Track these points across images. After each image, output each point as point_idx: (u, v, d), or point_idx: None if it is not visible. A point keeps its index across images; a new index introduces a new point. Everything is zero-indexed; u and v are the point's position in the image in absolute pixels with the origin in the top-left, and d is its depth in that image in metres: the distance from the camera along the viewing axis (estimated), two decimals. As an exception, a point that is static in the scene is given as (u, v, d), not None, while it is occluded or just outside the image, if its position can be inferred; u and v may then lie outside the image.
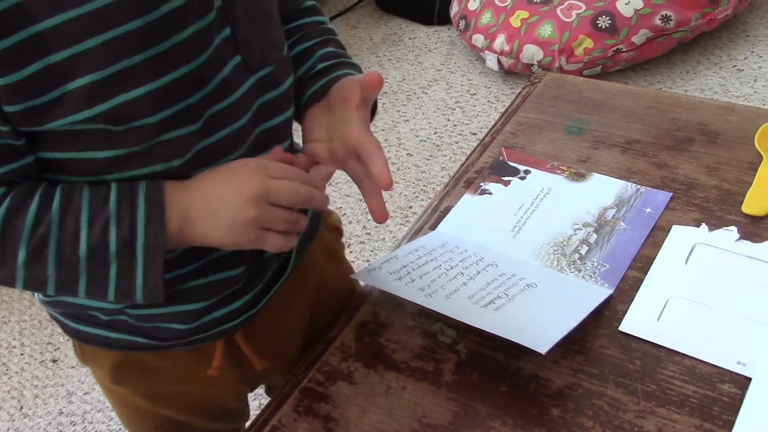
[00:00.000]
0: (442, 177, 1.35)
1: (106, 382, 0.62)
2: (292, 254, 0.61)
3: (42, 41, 0.43)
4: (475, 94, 1.58)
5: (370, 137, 0.53)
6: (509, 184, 0.69)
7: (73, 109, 0.45)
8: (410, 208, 1.33)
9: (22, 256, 0.46)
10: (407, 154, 1.46)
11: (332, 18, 1.93)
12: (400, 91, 1.65)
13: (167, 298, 0.49)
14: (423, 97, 1.61)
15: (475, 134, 1.44)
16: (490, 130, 0.78)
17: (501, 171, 0.71)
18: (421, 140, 1.49)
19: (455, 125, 1.49)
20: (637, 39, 1.41)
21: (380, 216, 0.54)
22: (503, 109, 0.85)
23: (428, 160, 1.42)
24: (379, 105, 1.54)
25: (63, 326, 0.59)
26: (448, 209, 0.68)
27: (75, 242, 0.46)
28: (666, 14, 1.40)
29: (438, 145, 1.46)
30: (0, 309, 1.34)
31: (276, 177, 0.49)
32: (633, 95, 0.78)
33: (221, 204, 0.48)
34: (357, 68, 0.60)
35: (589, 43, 1.43)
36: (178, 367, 0.60)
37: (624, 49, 1.42)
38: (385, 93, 1.65)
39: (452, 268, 0.60)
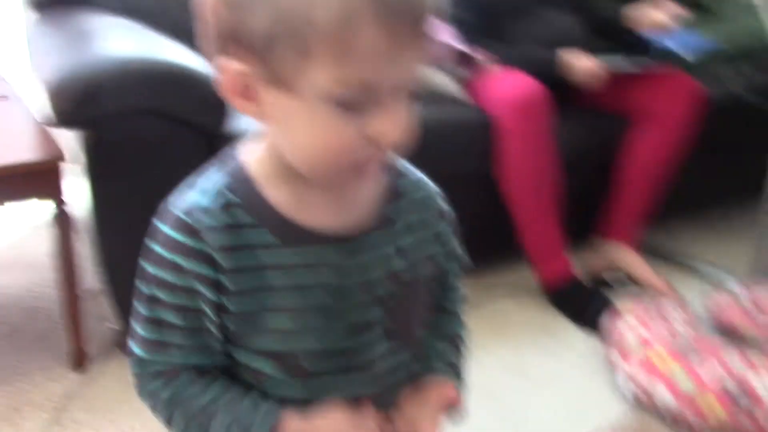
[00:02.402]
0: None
1: None
2: None
3: (262, 293, 0.65)
4: (601, 404, 1.68)
5: None
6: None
7: (265, 341, 0.67)
8: None
9: (179, 420, 0.69)
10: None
11: (499, 288, 2.14)
12: (537, 376, 1.78)
13: None
14: (555, 390, 1.73)
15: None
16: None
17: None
18: (542, 426, 1.60)
19: (572, 426, 1.59)
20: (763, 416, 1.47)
21: None
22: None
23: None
24: (512, 383, 1.69)
25: None
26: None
27: (212, 429, 0.67)
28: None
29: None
30: (138, 421, 1.56)
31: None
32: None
33: None
34: (460, 378, 0.80)
35: (718, 410, 1.51)
36: None
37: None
38: (521, 374, 1.79)
39: None
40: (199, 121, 1.58)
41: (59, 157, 1.49)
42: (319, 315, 0.66)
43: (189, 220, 0.64)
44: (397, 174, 0.73)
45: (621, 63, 2.07)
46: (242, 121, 1.68)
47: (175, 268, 0.64)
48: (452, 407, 0.78)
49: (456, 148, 1.91)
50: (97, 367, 1.73)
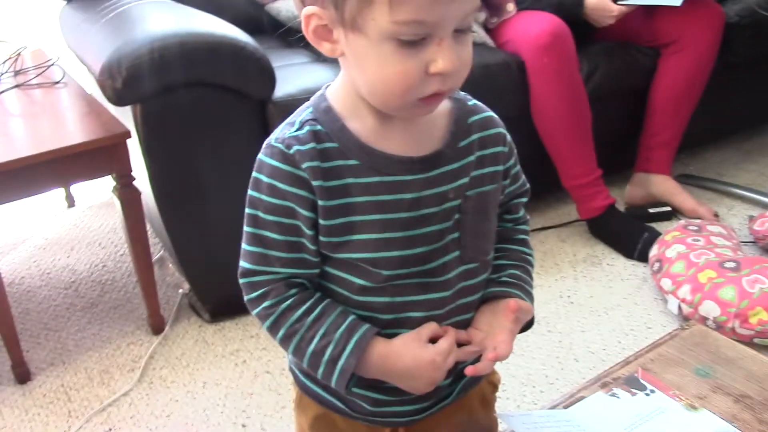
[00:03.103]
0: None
1: (305, 427, 0.89)
2: (456, 389, 0.85)
3: (349, 209, 0.74)
4: (650, 328, 1.75)
5: (509, 344, 0.79)
6: (635, 395, 0.90)
7: (352, 251, 0.75)
8: (552, 384, 1.55)
9: (280, 334, 0.77)
10: (574, 359, 1.66)
11: (546, 228, 2.21)
12: (586, 305, 1.86)
13: (366, 384, 0.78)
14: (603, 317, 1.81)
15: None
16: (637, 352, 0.99)
17: (632, 384, 0.92)
18: (590, 352, 1.68)
19: (623, 348, 1.67)
20: (812, 326, 1.54)
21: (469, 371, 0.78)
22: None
23: (591, 369, 1.61)
24: (563, 311, 1.77)
25: (295, 377, 0.87)
26: (581, 398, 0.90)
27: (309, 343, 0.76)
28: None
29: (603, 360, 1.64)
30: (214, 373, 1.68)
31: (445, 354, 0.77)
32: (761, 362, 0.96)
33: (413, 379, 0.77)
34: (529, 295, 0.86)
35: (764, 316, 1.57)
36: None
37: (797, 331, 1.55)
38: (572, 303, 1.87)
39: (570, 436, 0.81)
40: (249, 90, 1.66)
41: (125, 133, 1.58)
42: (396, 226, 0.74)
43: (285, 150, 0.73)
44: (470, 111, 0.80)
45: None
46: (291, 85, 1.76)
47: (275, 191, 0.73)
48: (525, 321, 0.83)
49: (488, 92, 1.90)
50: (173, 329, 1.85)
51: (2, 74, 1.97)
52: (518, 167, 0.86)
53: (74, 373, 1.70)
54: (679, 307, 1.73)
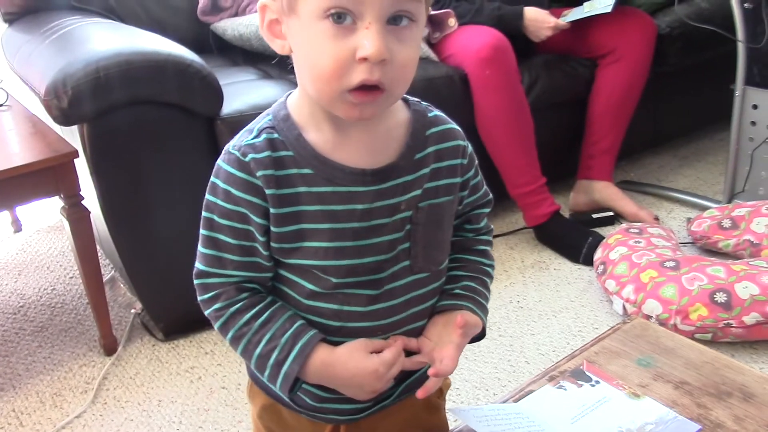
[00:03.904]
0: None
1: (254, 416, 0.92)
2: (397, 391, 0.88)
3: (300, 218, 0.76)
4: (597, 328, 1.81)
5: (453, 360, 0.81)
6: (581, 386, 0.93)
7: (303, 258, 0.77)
8: (505, 386, 1.59)
9: (229, 336, 0.80)
10: (525, 362, 1.70)
11: (495, 236, 2.26)
12: (535, 309, 1.91)
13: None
14: (552, 320, 1.86)
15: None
16: (582, 347, 1.03)
17: (578, 376, 0.95)
18: (540, 354, 1.72)
19: (572, 349, 1.72)
20: (748, 320, 1.61)
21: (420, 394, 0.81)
22: (601, 338, 1.09)
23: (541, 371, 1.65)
24: (513, 316, 1.81)
25: (247, 366, 0.89)
26: (530, 392, 0.93)
27: (256, 346, 0.79)
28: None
29: (553, 361, 1.68)
30: (170, 391, 1.67)
31: (388, 365, 0.79)
32: (698, 351, 1.01)
33: (355, 388, 0.80)
34: (482, 308, 0.88)
35: (703, 312, 1.64)
36: (300, 428, 0.89)
37: (734, 325, 1.62)
38: (521, 308, 1.91)
39: (518, 428, 0.84)
40: (197, 107, 1.67)
41: (72, 153, 1.58)
42: (347, 235, 0.77)
43: (241, 157, 0.75)
44: (428, 122, 0.82)
45: (584, 10, 2.19)
46: (239, 102, 1.78)
47: (230, 197, 0.75)
48: (473, 334, 0.85)
49: (433, 105, 1.99)
50: (126, 349, 1.83)
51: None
52: (479, 178, 0.87)
53: (25, 398, 1.68)
54: (624, 307, 1.79)
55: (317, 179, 0.76)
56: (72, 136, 1.66)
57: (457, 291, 0.87)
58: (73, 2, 2.13)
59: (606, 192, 2.34)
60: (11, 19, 2.10)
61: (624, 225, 2.12)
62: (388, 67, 0.69)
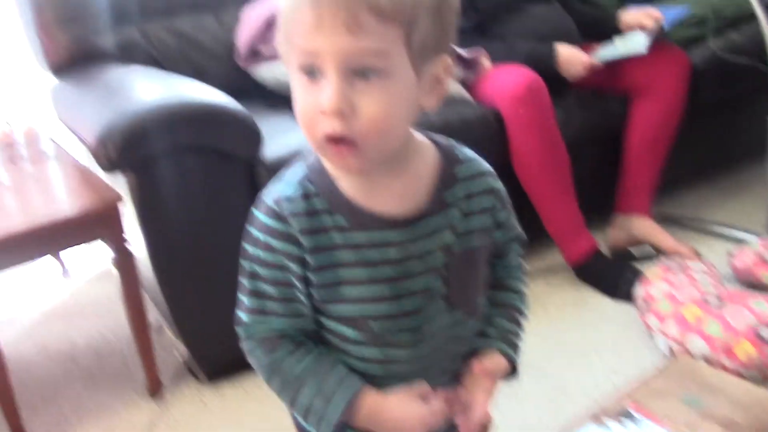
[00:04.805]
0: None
1: None
2: None
3: (336, 265, 0.78)
4: (640, 366, 1.79)
5: (482, 405, 0.83)
6: (627, 427, 0.93)
7: (341, 304, 0.79)
8: (548, 426, 1.58)
9: (274, 385, 0.82)
10: (568, 402, 1.69)
11: (533, 274, 2.25)
12: (576, 347, 1.89)
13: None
14: (594, 358, 1.84)
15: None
16: (626, 386, 1.02)
17: (624, 416, 0.95)
18: (583, 393, 1.71)
19: (616, 387, 1.70)
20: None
21: None
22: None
23: (585, 410, 1.63)
24: (555, 355, 1.79)
25: (293, 417, 0.90)
26: (575, 432, 0.93)
27: (299, 394, 0.80)
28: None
29: (596, 401, 1.66)
30: (215, 433, 1.68)
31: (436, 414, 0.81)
32: (745, 389, 1.00)
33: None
34: (513, 346, 0.89)
35: (749, 348, 1.62)
36: None
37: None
38: (562, 346, 1.90)
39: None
40: (239, 152, 1.72)
41: (117, 198, 1.63)
42: (384, 285, 0.79)
43: (276, 208, 0.77)
44: (457, 161, 0.83)
45: (617, 50, 2.21)
46: (278, 146, 1.82)
47: (268, 247, 0.78)
48: (501, 375, 0.87)
49: (469, 145, 1.96)
50: (172, 393, 1.86)
51: (-5, 150, 2.02)
52: (508, 213, 0.89)
53: (75, 441, 1.71)
54: (667, 345, 1.77)
55: (351, 226, 0.78)
56: (118, 185, 1.71)
57: (488, 330, 0.89)
58: (117, 53, 2.21)
59: (644, 227, 2.32)
60: (59, 71, 2.18)
61: (664, 260, 2.10)
62: (352, 120, 0.69)
